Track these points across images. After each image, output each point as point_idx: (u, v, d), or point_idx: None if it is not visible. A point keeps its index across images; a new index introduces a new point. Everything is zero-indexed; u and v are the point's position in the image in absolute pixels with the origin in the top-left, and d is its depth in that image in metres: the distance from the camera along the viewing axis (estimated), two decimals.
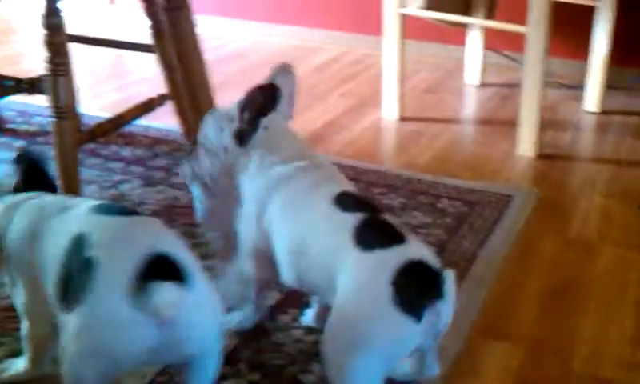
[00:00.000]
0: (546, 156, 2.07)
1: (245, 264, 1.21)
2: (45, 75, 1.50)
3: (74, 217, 1.02)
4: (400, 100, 2.34)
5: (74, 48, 1.57)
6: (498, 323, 1.35)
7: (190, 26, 1.53)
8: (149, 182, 1.85)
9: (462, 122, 2.39)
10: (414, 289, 0.97)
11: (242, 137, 1.20)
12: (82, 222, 0.99)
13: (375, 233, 1.03)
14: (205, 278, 0.97)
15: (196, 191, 1.27)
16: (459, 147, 2.16)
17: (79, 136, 1.58)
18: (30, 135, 2.15)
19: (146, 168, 1.93)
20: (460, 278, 1.45)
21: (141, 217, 1.06)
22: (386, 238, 1.02)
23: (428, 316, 0.97)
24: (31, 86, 1.60)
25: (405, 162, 2.02)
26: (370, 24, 3.02)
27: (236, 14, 3.42)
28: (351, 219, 1.04)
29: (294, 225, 1.11)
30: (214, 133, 1.22)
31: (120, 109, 1.79)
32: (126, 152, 2.03)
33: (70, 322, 0.91)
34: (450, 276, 0.99)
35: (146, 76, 2.67)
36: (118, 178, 1.87)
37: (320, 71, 2.85)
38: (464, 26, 2.59)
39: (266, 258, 1.16)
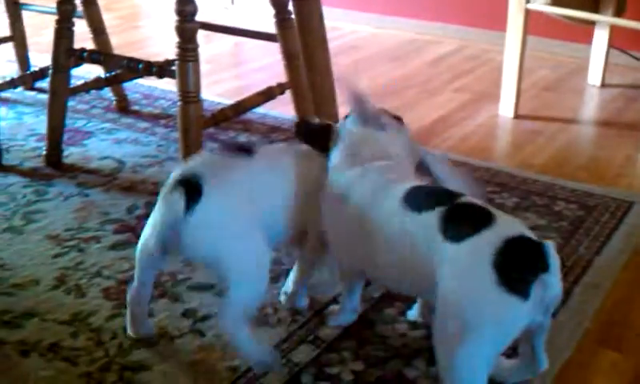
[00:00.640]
0: None
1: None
2: (175, 60, 1.56)
3: None
4: (518, 97, 2.28)
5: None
6: (611, 333, 1.30)
7: (319, 16, 1.54)
8: None
9: (582, 123, 2.30)
10: (516, 266, 0.95)
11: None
12: None
13: (461, 221, 1.02)
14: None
15: None
16: (578, 149, 2.09)
17: (203, 120, 1.64)
18: (154, 117, 2.25)
19: None
20: (574, 283, 1.41)
21: None
22: (474, 223, 1.00)
23: (535, 291, 0.95)
24: (161, 69, 1.67)
25: (520, 162, 1.97)
26: (491, 18, 2.95)
27: (354, 5, 3.43)
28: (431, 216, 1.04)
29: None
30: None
31: (237, 96, 1.84)
32: (243, 138, 2.09)
33: None
34: (551, 246, 0.96)
35: (263, 65, 2.73)
36: None
37: (435, 65, 2.82)
38: (591, 23, 2.49)
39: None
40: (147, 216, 1.23)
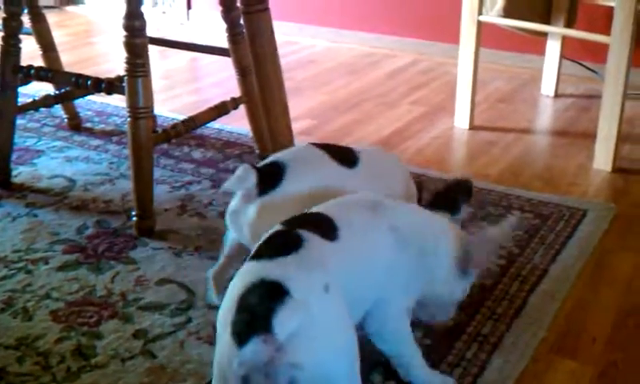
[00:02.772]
0: (624, 171, 1.99)
1: None
2: (124, 76, 1.54)
3: None
4: (473, 109, 2.30)
5: (149, 52, 1.60)
6: (567, 341, 1.30)
7: (269, 30, 1.53)
8: (218, 184, 1.87)
9: (536, 133, 2.33)
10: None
11: None
12: None
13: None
14: None
15: None
16: (533, 159, 2.10)
17: (154, 136, 1.61)
18: (106, 134, 2.20)
19: (217, 170, 1.95)
20: (530, 292, 1.41)
21: None
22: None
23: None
24: (110, 85, 1.64)
25: (475, 172, 1.97)
26: (445, 31, 2.98)
27: (311, 19, 3.43)
28: None
29: None
30: None
31: (194, 111, 1.82)
32: (197, 154, 2.06)
33: None
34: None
35: (219, 80, 2.71)
36: (188, 178, 1.90)
37: (392, 78, 2.83)
38: (543, 34, 2.52)
39: None
40: (97, 236, 1.20)
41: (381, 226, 1.07)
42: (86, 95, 2.10)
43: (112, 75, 1.76)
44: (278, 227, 1.01)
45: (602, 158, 1.99)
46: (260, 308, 0.82)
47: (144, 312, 1.35)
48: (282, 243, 0.95)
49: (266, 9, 1.55)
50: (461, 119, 2.31)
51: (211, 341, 1.26)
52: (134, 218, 1.61)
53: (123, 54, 1.54)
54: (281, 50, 1.83)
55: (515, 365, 1.21)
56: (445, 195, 1.29)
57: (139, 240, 1.59)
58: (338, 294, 0.91)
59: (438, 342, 1.26)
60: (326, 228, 1.00)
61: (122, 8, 1.52)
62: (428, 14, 3.13)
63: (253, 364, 0.81)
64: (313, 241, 0.96)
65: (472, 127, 2.30)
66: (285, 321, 0.80)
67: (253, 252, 0.98)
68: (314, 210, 1.09)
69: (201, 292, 1.40)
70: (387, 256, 1.06)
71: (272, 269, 0.88)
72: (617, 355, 1.26)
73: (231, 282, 0.94)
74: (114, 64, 2.81)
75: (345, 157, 1.29)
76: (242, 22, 1.83)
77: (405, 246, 1.09)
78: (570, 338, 1.31)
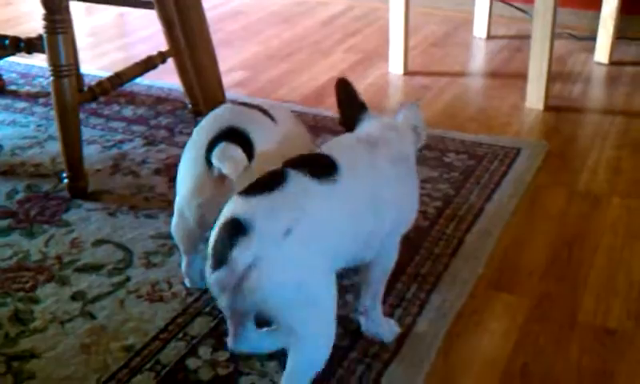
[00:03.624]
0: (556, 108, 2.03)
1: None
2: (44, 33, 1.48)
3: None
4: (406, 54, 2.30)
5: (74, 9, 1.53)
6: (504, 276, 1.33)
7: None
8: (151, 141, 1.83)
9: (469, 76, 2.35)
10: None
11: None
12: None
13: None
14: None
15: None
16: (466, 101, 2.12)
17: (79, 95, 1.56)
18: (32, 96, 2.13)
19: (148, 127, 1.91)
20: (466, 231, 1.44)
21: None
22: None
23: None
24: (29, 45, 1.57)
25: None
26: None
27: None
28: None
29: None
30: None
31: (121, 68, 1.76)
32: (128, 111, 2.01)
33: None
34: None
35: (148, 34, 2.64)
36: (119, 137, 1.85)
37: (325, 26, 2.81)
38: None
39: None
40: (28, 200, 1.16)
41: (380, 162, 1.08)
42: (6, 56, 2.02)
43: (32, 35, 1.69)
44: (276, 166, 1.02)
45: (534, 97, 2.03)
46: (223, 243, 0.92)
47: (81, 274, 1.32)
48: (266, 181, 0.98)
49: None
50: (395, 65, 2.31)
51: (151, 298, 1.25)
52: (65, 180, 1.57)
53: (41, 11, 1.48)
54: (209, 2, 1.79)
55: (454, 302, 1.24)
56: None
57: (72, 202, 1.55)
58: (304, 238, 0.94)
59: None
60: (323, 168, 1.01)
61: None
62: None
63: (222, 286, 0.92)
64: (297, 181, 0.98)
65: (406, 72, 2.30)
66: (240, 255, 0.90)
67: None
68: (324, 149, 1.09)
69: (138, 250, 1.38)
70: (392, 190, 1.07)
71: (242, 206, 0.95)
72: (551, 287, 1.30)
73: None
74: (35, 24, 2.70)
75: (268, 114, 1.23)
76: None
77: (401, 172, 1.10)
78: (507, 273, 1.34)
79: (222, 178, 1.09)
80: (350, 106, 1.20)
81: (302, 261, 0.93)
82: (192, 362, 1.12)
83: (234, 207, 0.95)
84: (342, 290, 1.25)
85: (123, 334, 1.17)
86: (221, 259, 0.91)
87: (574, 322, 1.21)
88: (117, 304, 1.24)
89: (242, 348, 1.12)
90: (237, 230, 0.91)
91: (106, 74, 2.13)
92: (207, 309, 1.23)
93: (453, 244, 1.39)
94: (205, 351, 1.14)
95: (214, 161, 1.09)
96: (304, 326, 0.96)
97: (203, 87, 1.54)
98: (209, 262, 0.94)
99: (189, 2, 1.50)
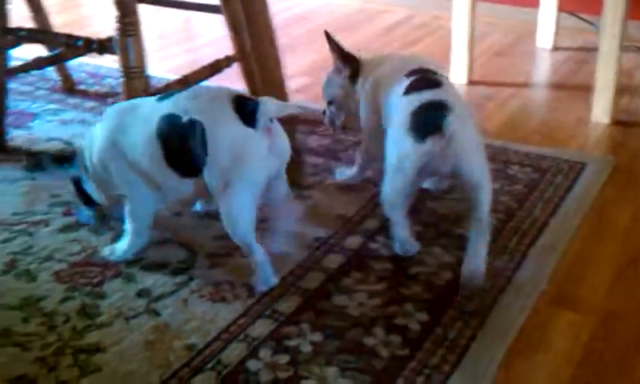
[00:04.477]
0: (622, 123, 1.99)
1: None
2: (115, 35, 1.52)
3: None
4: (469, 63, 2.29)
5: (142, 11, 1.57)
6: (568, 293, 1.31)
7: None
8: None
9: (533, 87, 2.32)
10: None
11: (353, 78, 1.56)
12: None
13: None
14: None
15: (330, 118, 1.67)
16: (530, 112, 2.10)
17: (148, 96, 1.59)
18: (101, 96, 2.19)
19: None
20: (530, 245, 1.42)
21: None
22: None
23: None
24: (101, 46, 1.61)
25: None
26: None
27: None
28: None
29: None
30: (330, 89, 1.62)
31: (188, 71, 1.80)
32: None
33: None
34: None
35: (214, 39, 2.68)
36: None
37: (386, 34, 2.81)
38: None
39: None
40: None
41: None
42: (77, 56, 2.08)
43: (100, 36, 1.74)
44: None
45: (600, 111, 1.99)
46: (433, 116, 1.23)
47: (146, 271, 1.35)
48: (429, 82, 1.34)
49: None
50: (457, 74, 2.29)
51: (213, 298, 1.27)
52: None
53: (113, 14, 1.52)
54: (273, 7, 1.81)
55: (516, 317, 1.22)
56: None
57: None
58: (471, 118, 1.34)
59: (438, 295, 1.27)
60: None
61: None
62: None
63: (431, 154, 1.23)
64: (449, 84, 1.39)
65: (469, 82, 2.29)
66: (450, 125, 1.21)
67: (405, 89, 1.34)
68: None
69: (201, 251, 1.41)
70: None
71: (435, 94, 1.30)
72: (616, 305, 1.27)
73: (399, 107, 1.32)
74: (102, 26, 2.77)
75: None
76: None
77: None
78: (571, 290, 1.32)
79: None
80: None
81: (476, 132, 1.30)
82: (252, 364, 1.13)
83: (432, 95, 1.29)
84: (402, 301, 1.26)
85: (186, 333, 1.19)
86: (435, 128, 1.21)
87: (639, 342, 1.19)
88: (180, 303, 1.27)
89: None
90: (445, 108, 1.24)
91: (172, 76, 2.18)
92: (268, 311, 1.24)
93: (516, 258, 1.38)
94: (265, 353, 1.15)
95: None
96: (484, 175, 1.28)
97: (268, 91, 1.55)
98: (411, 140, 1.23)
99: (257, 7, 1.52)
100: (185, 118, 1.21)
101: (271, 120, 1.22)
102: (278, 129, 1.26)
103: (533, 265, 1.36)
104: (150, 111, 1.27)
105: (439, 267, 1.35)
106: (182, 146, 1.22)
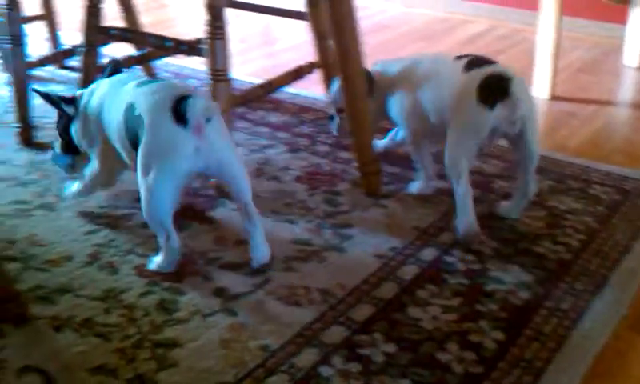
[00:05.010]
0: None
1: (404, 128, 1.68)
2: (205, 38, 1.55)
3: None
4: (552, 78, 2.24)
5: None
6: None
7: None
8: (293, 149, 1.88)
9: (618, 105, 2.26)
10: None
11: (369, 91, 1.66)
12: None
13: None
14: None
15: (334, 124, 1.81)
16: (614, 131, 2.04)
17: (233, 99, 1.63)
18: None
19: (292, 134, 1.97)
20: (611, 269, 1.38)
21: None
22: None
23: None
24: (190, 47, 1.66)
25: (555, 144, 1.93)
26: None
27: None
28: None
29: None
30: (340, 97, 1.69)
31: (268, 75, 1.83)
32: (273, 118, 2.08)
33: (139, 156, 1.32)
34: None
35: (294, 44, 2.71)
36: (264, 142, 1.92)
37: (467, 45, 2.78)
38: (626, 2, 2.43)
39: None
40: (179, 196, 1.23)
41: None
42: (165, 56, 2.13)
43: (184, 37, 1.78)
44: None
45: None
46: (499, 85, 1.41)
47: (223, 271, 1.38)
48: (485, 59, 1.52)
49: None
50: (540, 89, 2.25)
51: (288, 301, 1.29)
52: (213, 180, 1.64)
53: (197, 18, 1.55)
54: None
55: (595, 341, 1.19)
56: None
57: (218, 201, 1.62)
58: None
59: (514, 314, 1.26)
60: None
61: None
62: None
63: (500, 119, 1.41)
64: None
65: (551, 97, 2.24)
66: (518, 89, 1.40)
67: (464, 68, 1.50)
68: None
69: (278, 254, 1.43)
70: None
71: (495, 68, 1.47)
72: None
73: (459, 84, 1.48)
74: (187, 27, 2.84)
75: None
76: None
77: None
78: None
79: None
80: None
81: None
82: (325, 370, 1.14)
83: (492, 69, 1.46)
84: (477, 318, 1.25)
85: (261, 334, 1.21)
86: (503, 95, 1.39)
87: None
88: (256, 304, 1.29)
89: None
90: (507, 77, 1.42)
91: (252, 79, 2.22)
92: (342, 318, 1.25)
93: (596, 280, 1.35)
94: (338, 361, 1.16)
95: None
96: (535, 131, 1.47)
97: (348, 102, 1.56)
98: (481, 108, 1.41)
99: (344, 14, 1.53)
100: (137, 111, 1.35)
101: (208, 120, 1.29)
102: (216, 130, 1.33)
103: (614, 289, 1.33)
104: (125, 96, 1.42)
105: (516, 286, 1.33)
106: (134, 131, 1.36)
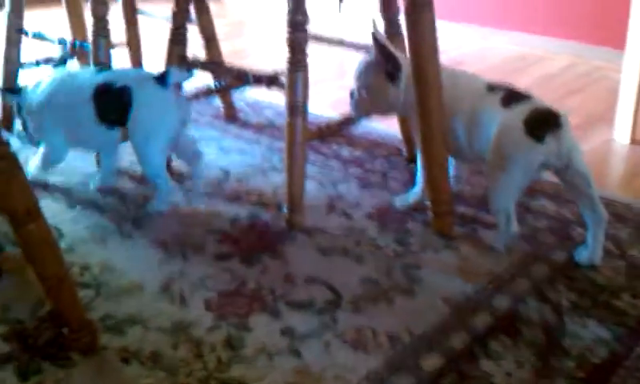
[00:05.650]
0: None
1: None
2: (286, 70, 1.56)
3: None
4: (635, 121, 2.16)
5: None
6: None
7: (432, 33, 1.50)
8: (365, 184, 1.87)
9: None
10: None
11: (392, 77, 1.65)
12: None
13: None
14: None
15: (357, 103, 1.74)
16: None
17: (309, 133, 1.63)
18: (260, 127, 2.26)
19: (364, 170, 1.96)
20: None
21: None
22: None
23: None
24: (270, 80, 1.67)
25: (635, 192, 1.86)
26: (607, 34, 2.82)
27: (459, 17, 3.36)
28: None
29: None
30: (366, 77, 1.69)
31: (342, 107, 1.82)
32: (346, 152, 2.07)
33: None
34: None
35: None
36: (336, 176, 1.91)
37: (544, 83, 2.72)
38: None
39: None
40: (249, 228, 1.23)
41: None
42: (244, 86, 2.16)
43: (259, 68, 1.80)
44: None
45: None
46: (550, 117, 1.43)
47: (291, 309, 1.37)
48: (523, 94, 1.53)
49: (431, 10, 1.52)
50: (621, 132, 2.18)
51: (355, 345, 1.27)
52: (285, 213, 1.64)
53: (273, 48, 1.57)
54: None
55: None
56: None
57: (288, 235, 1.62)
58: None
59: (592, 373, 1.20)
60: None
61: (275, 3, 1.55)
62: (588, 15, 2.98)
63: (549, 152, 1.42)
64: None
65: (632, 140, 2.17)
66: (564, 121, 1.42)
67: (502, 102, 1.51)
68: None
69: (346, 293, 1.41)
70: None
71: (537, 102, 1.49)
72: None
73: (501, 120, 1.48)
74: (262, 57, 2.87)
75: None
76: (400, 20, 1.82)
77: None
78: None
79: None
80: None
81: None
82: None
83: (535, 103, 1.48)
84: (553, 375, 1.19)
85: (326, 380, 1.19)
86: (551, 128, 1.41)
87: None
88: (322, 345, 1.27)
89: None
90: (553, 112, 1.44)
91: (326, 111, 2.22)
92: (410, 366, 1.22)
93: None
94: None
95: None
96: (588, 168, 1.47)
97: (425, 133, 1.54)
98: (531, 142, 1.42)
99: (427, 56, 1.51)
100: (117, 84, 1.64)
101: (179, 86, 1.69)
102: (183, 95, 1.74)
103: None
104: (85, 82, 1.68)
105: (594, 342, 1.27)
106: (114, 104, 1.64)
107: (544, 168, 1.48)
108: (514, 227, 1.51)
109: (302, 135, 1.59)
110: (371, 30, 1.67)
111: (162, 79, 1.63)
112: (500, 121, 1.48)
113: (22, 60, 2.17)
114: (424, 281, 1.46)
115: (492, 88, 1.56)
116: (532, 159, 1.44)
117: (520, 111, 1.46)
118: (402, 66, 1.64)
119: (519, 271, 1.49)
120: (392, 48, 1.66)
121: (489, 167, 1.52)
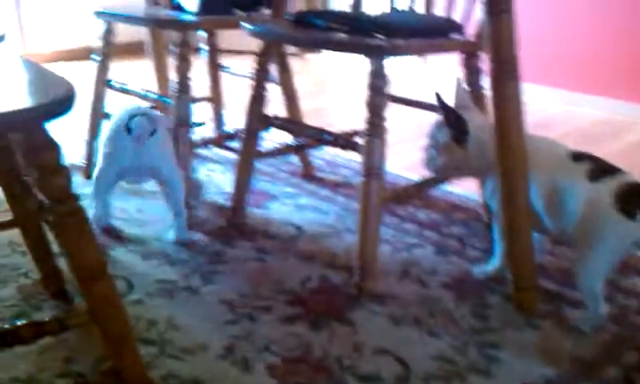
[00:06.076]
0: None
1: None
2: (364, 134, 1.53)
3: None
4: None
5: None
6: None
7: (517, 98, 1.44)
8: (442, 251, 1.80)
9: None
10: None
11: (459, 140, 1.57)
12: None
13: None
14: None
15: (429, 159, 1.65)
16: None
17: (385, 196, 1.58)
18: (335, 185, 2.23)
19: (441, 235, 1.88)
20: None
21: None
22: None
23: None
24: (347, 142, 1.65)
25: None
26: None
27: (544, 80, 3.27)
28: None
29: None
30: (439, 135, 1.61)
31: (420, 170, 1.77)
32: (422, 215, 2.01)
33: None
34: None
35: None
36: (411, 240, 1.85)
37: (631, 152, 2.59)
38: None
39: None
40: (319, 291, 1.18)
41: None
42: (322, 146, 2.15)
43: (334, 129, 1.78)
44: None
45: None
46: (638, 194, 1.36)
47: (357, 381, 1.30)
48: (611, 166, 1.44)
49: (517, 77, 1.46)
50: None
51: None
52: (357, 278, 1.58)
53: (349, 109, 1.54)
54: None
55: None
56: None
57: (359, 301, 1.56)
58: None
59: None
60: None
61: (357, 62, 1.52)
62: None
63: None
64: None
65: None
66: None
67: (590, 175, 1.42)
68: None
69: (417, 369, 1.33)
70: None
71: (626, 176, 1.40)
72: None
73: (588, 194, 1.40)
74: (338, 117, 2.86)
75: None
76: (482, 83, 1.76)
77: None
78: None
79: None
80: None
81: None
82: None
83: (625, 177, 1.39)
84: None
85: None
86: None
87: None
88: None
89: None
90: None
91: (403, 173, 2.17)
92: None
93: None
94: None
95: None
96: None
97: (508, 203, 1.46)
98: (624, 219, 1.34)
99: (512, 121, 1.45)
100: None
101: (152, 134, 1.70)
102: (156, 143, 1.73)
103: None
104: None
105: None
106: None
107: (637, 246, 1.38)
108: (603, 307, 1.42)
109: (377, 198, 1.54)
110: (455, 88, 1.62)
111: (129, 129, 1.71)
112: (587, 195, 1.40)
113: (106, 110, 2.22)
114: (502, 361, 1.36)
115: (576, 157, 1.47)
116: (623, 237, 1.36)
117: (610, 185, 1.38)
118: (469, 130, 1.57)
119: (607, 356, 1.38)
120: (462, 111, 1.59)
121: (575, 243, 1.43)
